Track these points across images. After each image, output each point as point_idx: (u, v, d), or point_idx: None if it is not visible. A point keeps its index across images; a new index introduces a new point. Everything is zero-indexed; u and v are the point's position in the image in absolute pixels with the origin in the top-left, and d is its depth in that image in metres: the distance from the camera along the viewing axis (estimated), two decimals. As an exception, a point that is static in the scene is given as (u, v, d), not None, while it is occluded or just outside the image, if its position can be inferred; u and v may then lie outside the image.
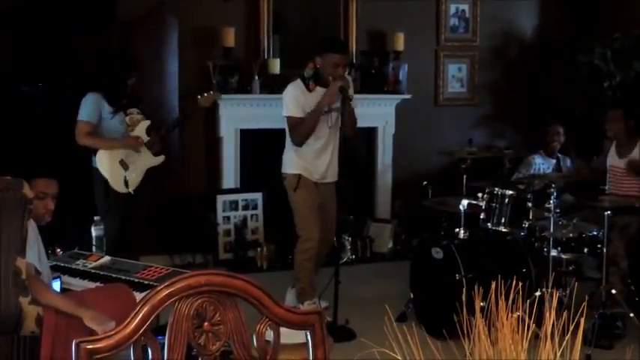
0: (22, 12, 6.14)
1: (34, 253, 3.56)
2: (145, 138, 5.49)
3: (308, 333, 1.98)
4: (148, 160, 5.54)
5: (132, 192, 5.41)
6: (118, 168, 5.39)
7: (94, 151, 5.39)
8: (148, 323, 1.78)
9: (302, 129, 5.32)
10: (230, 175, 7.08)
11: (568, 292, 5.07)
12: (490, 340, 1.47)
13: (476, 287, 1.79)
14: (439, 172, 7.51)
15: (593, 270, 5.64)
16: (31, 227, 3.47)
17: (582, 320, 1.77)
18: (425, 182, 6.94)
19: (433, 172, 7.46)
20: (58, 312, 3.39)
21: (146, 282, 3.88)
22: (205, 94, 5.57)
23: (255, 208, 7.14)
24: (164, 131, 5.58)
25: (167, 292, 1.82)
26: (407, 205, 7.48)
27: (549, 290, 4.84)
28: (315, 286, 5.53)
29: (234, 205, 7.07)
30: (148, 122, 5.54)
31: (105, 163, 5.39)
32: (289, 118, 5.38)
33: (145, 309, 1.80)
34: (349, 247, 7.11)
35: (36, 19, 6.16)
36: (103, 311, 3.49)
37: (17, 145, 6.04)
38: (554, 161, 6.96)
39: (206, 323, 1.86)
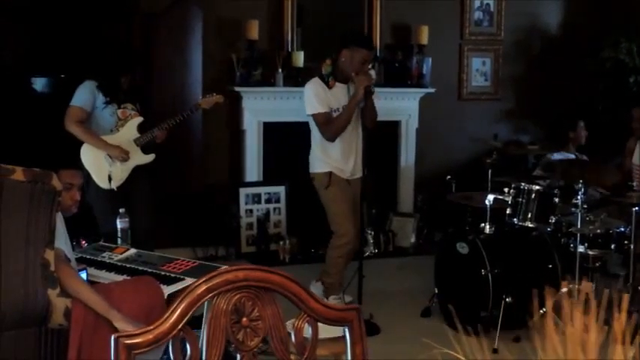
0: (48, 3, 6.14)
1: (63, 242, 3.55)
2: (135, 135, 5.38)
3: (346, 329, 1.94)
4: (136, 157, 5.39)
5: (115, 189, 5.24)
6: (103, 162, 5.27)
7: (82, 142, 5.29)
8: (186, 318, 1.75)
9: (336, 125, 5.31)
10: (253, 168, 7.04)
11: (594, 288, 5.02)
12: (559, 339, 1.42)
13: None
14: (463, 166, 7.47)
15: (618, 266, 5.56)
16: (59, 219, 3.45)
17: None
18: (448, 177, 6.88)
19: (456, 167, 7.42)
20: (87, 305, 3.37)
21: (173, 275, 3.84)
22: (208, 96, 5.52)
23: (277, 201, 7.11)
24: (165, 127, 5.40)
25: (206, 287, 1.79)
26: (430, 199, 7.43)
27: (577, 286, 4.80)
28: (342, 281, 5.50)
29: (256, 198, 7.04)
30: (140, 119, 5.41)
31: (89, 155, 5.28)
32: (316, 116, 5.35)
33: (184, 304, 1.76)
34: (372, 241, 7.07)
35: (61, 10, 6.15)
36: (131, 305, 3.48)
37: (37, 137, 6.03)
38: (572, 157, 6.87)
39: (244, 319, 1.82)
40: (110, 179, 5.22)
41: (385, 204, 7.43)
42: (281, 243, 6.88)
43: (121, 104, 5.37)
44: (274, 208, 7.10)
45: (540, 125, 7.90)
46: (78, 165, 3.95)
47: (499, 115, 7.87)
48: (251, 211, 7.02)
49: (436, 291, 5.42)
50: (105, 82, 5.30)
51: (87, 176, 5.20)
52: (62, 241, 3.54)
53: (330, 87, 5.37)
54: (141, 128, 5.40)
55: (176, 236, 6.53)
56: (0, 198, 3.18)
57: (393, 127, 7.44)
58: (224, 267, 1.86)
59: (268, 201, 7.08)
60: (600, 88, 7.48)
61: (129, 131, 5.38)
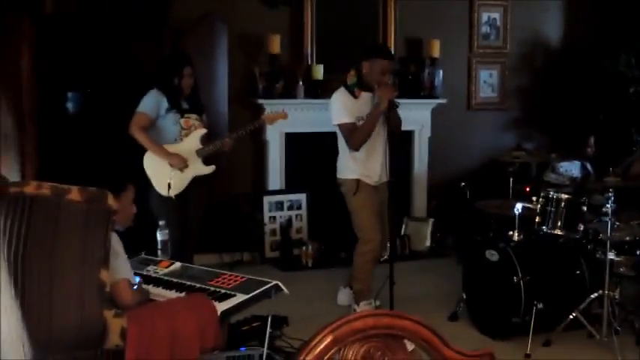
0: (78, 18, 5.73)
1: (127, 267, 3.19)
2: (198, 145, 5.03)
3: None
4: (197, 168, 5.03)
5: (173, 197, 4.92)
6: (163, 170, 4.92)
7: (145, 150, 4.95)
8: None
9: (359, 134, 4.93)
10: (275, 177, 6.67)
11: (618, 293, 4.68)
12: None
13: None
14: (474, 173, 7.15)
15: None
16: (115, 238, 3.07)
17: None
18: (463, 183, 6.53)
19: (468, 174, 7.09)
20: (141, 324, 2.99)
21: (223, 291, 3.46)
22: (272, 112, 5.19)
23: (299, 208, 6.73)
24: (227, 139, 5.12)
25: (332, 337, 1.41)
26: (443, 204, 7.07)
27: (606, 292, 4.46)
28: (371, 286, 5.13)
29: (279, 206, 6.66)
30: (203, 130, 5.07)
31: (151, 162, 4.94)
32: (342, 126, 4.98)
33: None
34: (387, 245, 6.68)
35: (91, 25, 5.74)
36: (184, 322, 3.12)
37: (81, 154, 5.61)
38: (578, 163, 6.55)
39: (374, 372, 1.45)
40: (169, 187, 4.88)
41: (400, 209, 7.04)
42: (303, 248, 6.51)
43: (184, 114, 5.01)
44: (296, 215, 6.72)
45: (543, 133, 7.55)
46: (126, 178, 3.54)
47: (505, 124, 7.52)
48: (274, 218, 6.64)
49: (464, 296, 5.04)
50: (166, 88, 4.95)
51: (148, 183, 4.91)
52: (124, 263, 3.17)
53: (356, 97, 5.00)
54: (204, 140, 5.05)
55: (203, 243, 6.13)
56: (57, 218, 2.79)
57: (407, 136, 7.06)
58: (350, 315, 1.48)
59: (290, 208, 6.71)
60: (601, 98, 7.12)
61: (192, 142, 5.02)
